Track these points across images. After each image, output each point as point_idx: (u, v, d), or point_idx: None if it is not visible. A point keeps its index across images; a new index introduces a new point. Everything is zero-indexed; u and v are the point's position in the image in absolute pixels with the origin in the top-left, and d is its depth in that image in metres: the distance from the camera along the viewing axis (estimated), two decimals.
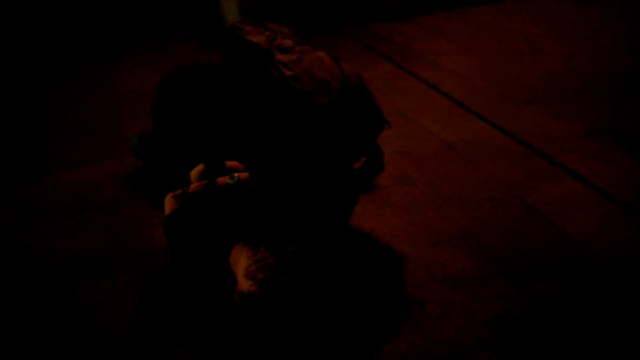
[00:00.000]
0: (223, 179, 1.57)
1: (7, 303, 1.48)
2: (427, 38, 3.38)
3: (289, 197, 1.30)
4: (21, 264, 1.63)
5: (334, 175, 1.35)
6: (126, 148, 2.23)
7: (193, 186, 1.54)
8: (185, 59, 3.18)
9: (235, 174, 1.56)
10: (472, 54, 3.04)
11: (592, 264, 1.47)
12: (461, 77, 2.74)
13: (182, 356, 1.25)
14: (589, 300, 1.35)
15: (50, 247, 1.69)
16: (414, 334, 1.30)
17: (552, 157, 1.98)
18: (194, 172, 1.65)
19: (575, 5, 3.84)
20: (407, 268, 1.51)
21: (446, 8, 3.92)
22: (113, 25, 4.19)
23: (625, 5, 3.71)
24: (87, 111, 2.71)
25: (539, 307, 1.34)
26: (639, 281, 1.40)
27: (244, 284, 1.24)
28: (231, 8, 3.64)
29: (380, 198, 1.80)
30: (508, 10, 3.87)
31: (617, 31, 3.26)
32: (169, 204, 1.52)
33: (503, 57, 2.98)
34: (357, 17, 3.71)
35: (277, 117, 1.20)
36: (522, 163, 1.98)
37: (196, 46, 3.54)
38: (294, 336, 1.29)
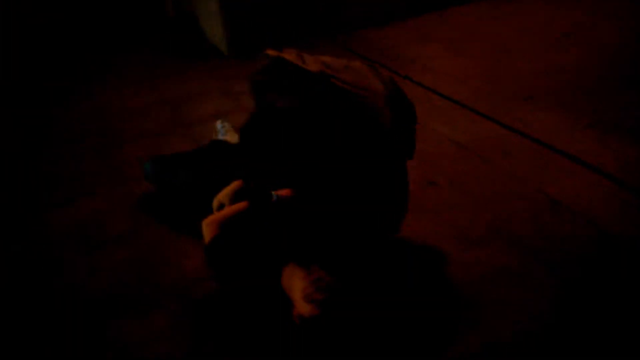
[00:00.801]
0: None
1: (31, 348, 1.39)
2: (415, 42, 3.45)
3: (348, 209, 1.28)
4: (45, 305, 1.53)
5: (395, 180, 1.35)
6: (130, 172, 2.15)
7: (231, 209, 1.50)
8: (171, 77, 3.15)
9: (274, 192, 1.53)
10: (461, 57, 3.12)
11: (618, 248, 1.54)
12: (456, 78, 2.80)
13: None
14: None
15: (74, 288, 1.60)
16: (473, 335, 1.31)
17: (563, 149, 2.05)
18: (224, 195, 1.61)
19: (549, 5, 4.02)
20: (452, 270, 1.53)
21: (426, 11, 4.02)
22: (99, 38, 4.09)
23: (598, 4, 3.91)
24: (81, 134, 2.59)
25: (579, 295, 1.39)
26: None
27: (304, 308, 1.20)
28: (213, 22, 3.59)
29: (410, 203, 1.81)
30: (489, 11, 3.99)
31: (594, 28, 3.43)
32: (208, 229, 1.46)
33: (491, 57, 3.08)
34: (343, 24, 3.74)
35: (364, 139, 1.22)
36: (534, 157, 2.04)
37: (180, 63, 3.46)
38: (357, 353, 1.27)
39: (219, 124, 2.27)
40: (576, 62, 2.89)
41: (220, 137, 2.19)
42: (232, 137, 2.18)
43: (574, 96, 2.50)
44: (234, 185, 1.59)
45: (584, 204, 1.74)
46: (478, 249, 1.60)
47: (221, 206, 1.57)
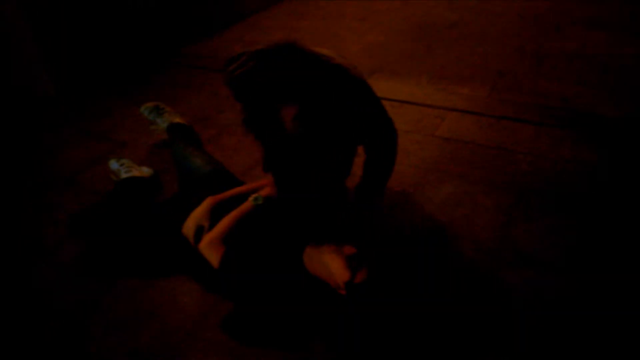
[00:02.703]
0: (246, 205, 1.54)
1: None
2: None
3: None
4: None
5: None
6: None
7: (225, 222, 1.46)
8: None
9: (256, 195, 1.55)
10: None
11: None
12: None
13: None
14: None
15: None
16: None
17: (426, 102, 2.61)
18: (199, 216, 1.54)
19: None
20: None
21: None
22: None
23: None
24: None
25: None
26: None
27: (346, 274, 1.28)
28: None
29: None
30: None
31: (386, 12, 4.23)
32: (212, 250, 1.41)
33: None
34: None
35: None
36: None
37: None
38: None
39: (113, 164, 2.05)
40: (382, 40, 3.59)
41: (124, 175, 1.99)
42: (140, 171, 2.02)
43: (400, 63, 3.13)
44: (207, 204, 1.57)
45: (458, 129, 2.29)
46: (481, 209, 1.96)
47: (200, 228, 1.52)
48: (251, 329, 1.42)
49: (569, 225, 1.68)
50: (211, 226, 1.52)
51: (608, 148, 2.10)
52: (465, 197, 1.86)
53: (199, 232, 1.54)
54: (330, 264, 1.33)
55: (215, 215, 1.56)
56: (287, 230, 1.50)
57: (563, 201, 1.80)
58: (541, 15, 3.96)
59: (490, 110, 2.48)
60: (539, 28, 3.66)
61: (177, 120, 2.30)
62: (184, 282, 1.58)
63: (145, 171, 2.07)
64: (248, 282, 1.38)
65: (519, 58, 3.11)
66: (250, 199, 1.55)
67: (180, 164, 1.96)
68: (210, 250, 1.43)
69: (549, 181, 1.91)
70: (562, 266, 1.53)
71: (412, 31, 3.80)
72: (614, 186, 1.86)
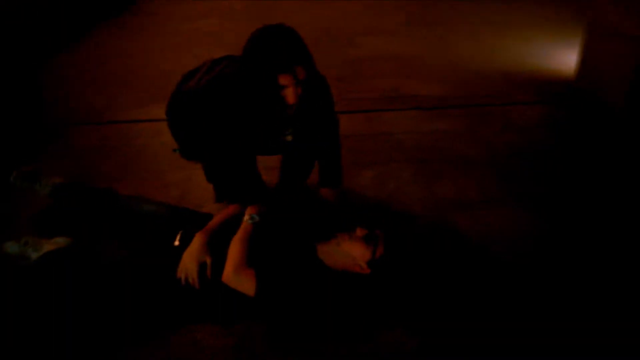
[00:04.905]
0: (245, 226, 1.50)
1: None
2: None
3: None
4: None
5: None
6: None
7: (237, 250, 1.40)
8: None
9: (250, 214, 1.52)
10: None
11: None
12: None
13: None
14: None
15: None
16: None
17: None
18: (197, 253, 1.43)
19: None
20: None
21: None
22: None
23: None
24: None
25: None
26: None
27: (367, 254, 1.43)
28: None
29: None
30: None
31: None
32: (241, 276, 1.35)
33: None
34: None
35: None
36: None
37: None
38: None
39: (12, 247, 1.63)
40: None
41: (35, 254, 1.60)
42: (54, 243, 1.65)
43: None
44: (200, 239, 1.51)
45: None
46: None
47: (203, 265, 1.45)
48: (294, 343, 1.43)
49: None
50: (217, 259, 1.44)
51: (444, 121, 2.79)
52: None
53: (203, 269, 1.44)
54: (351, 250, 1.46)
55: (212, 248, 1.48)
56: (294, 238, 1.55)
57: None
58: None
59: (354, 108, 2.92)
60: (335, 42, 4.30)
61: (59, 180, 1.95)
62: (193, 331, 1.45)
63: (60, 241, 1.71)
64: (290, 297, 1.39)
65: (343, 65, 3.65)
66: (246, 219, 1.53)
67: (115, 220, 1.70)
68: (240, 278, 1.37)
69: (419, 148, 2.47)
70: None
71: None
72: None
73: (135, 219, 1.66)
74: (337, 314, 1.44)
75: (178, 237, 1.53)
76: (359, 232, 1.50)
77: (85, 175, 2.18)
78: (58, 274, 1.56)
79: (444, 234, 1.89)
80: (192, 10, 4.93)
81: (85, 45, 4.10)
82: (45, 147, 2.52)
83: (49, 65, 3.65)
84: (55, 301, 1.49)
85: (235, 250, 1.43)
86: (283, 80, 1.38)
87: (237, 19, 4.68)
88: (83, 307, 1.48)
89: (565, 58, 3.50)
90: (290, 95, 1.41)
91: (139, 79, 3.41)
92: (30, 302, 1.52)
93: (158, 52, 3.94)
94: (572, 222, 1.92)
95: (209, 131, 1.54)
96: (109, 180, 2.13)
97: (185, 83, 1.58)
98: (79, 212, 1.83)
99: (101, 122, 2.79)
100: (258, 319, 1.46)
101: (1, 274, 1.63)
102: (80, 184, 1.94)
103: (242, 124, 1.53)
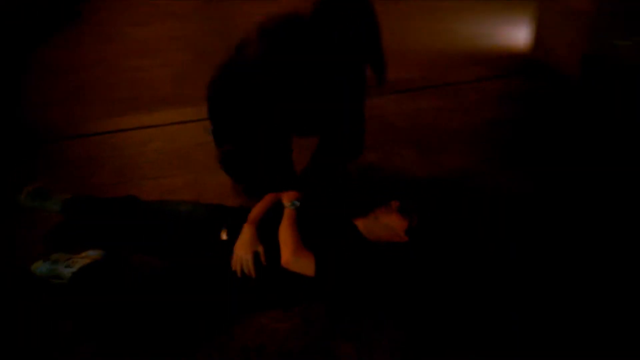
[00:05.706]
0: (289, 212, 1.53)
1: None
2: None
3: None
4: None
5: None
6: None
7: (288, 235, 1.43)
8: None
9: (290, 201, 1.55)
10: None
11: None
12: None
13: None
14: None
15: None
16: None
17: None
18: (249, 244, 1.45)
19: None
20: None
21: None
22: None
23: None
24: None
25: None
26: None
27: (405, 223, 1.53)
28: None
29: None
30: None
31: None
32: (300, 258, 1.40)
33: None
34: None
35: None
36: None
37: None
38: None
39: (41, 268, 1.55)
40: None
41: (68, 271, 1.54)
42: (87, 257, 1.59)
43: None
44: (250, 229, 1.54)
45: None
46: None
47: (256, 254, 1.48)
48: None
49: None
50: (267, 247, 1.47)
51: (425, 99, 2.96)
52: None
53: (257, 258, 1.47)
54: (390, 222, 1.56)
55: (262, 237, 1.51)
56: (335, 217, 1.61)
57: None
58: None
59: None
60: None
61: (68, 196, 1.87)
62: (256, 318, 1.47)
63: (91, 255, 1.65)
64: (348, 272, 1.46)
65: None
66: (287, 205, 1.57)
67: (146, 225, 1.66)
68: (299, 260, 1.41)
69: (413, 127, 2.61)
70: None
71: None
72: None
73: (170, 221, 1.63)
74: (388, 284, 1.54)
75: (225, 232, 1.54)
76: (393, 204, 1.59)
77: (81, 189, 2.09)
78: (100, 286, 1.53)
79: (461, 199, 2.03)
80: (139, 16, 4.78)
81: (37, 60, 3.85)
82: (31, 165, 2.38)
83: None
84: (109, 311, 1.46)
85: (287, 235, 1.47)
86: None
87: (189, 21, 4.61)
88: (134, 313, 1.45)
89: (516, 33, 3.82)
90: None
91: (103, 89, 3.28)
92: (78, 319, 1.46)
93: (114, 60, 3.79)
94: (558, 180, 2.13)
95: (264, 102, 1.49)
96: (111, 192, 2.07)
97: (240, 54, 1.54)
98: (96, 224, 1.77)
99: (86, 134, 2.67)
100: (316, 299, 1.51)
101: (35, 296, 1.55)
102: (91, 197, 1.87)
103: (301, 92, 1.51)
